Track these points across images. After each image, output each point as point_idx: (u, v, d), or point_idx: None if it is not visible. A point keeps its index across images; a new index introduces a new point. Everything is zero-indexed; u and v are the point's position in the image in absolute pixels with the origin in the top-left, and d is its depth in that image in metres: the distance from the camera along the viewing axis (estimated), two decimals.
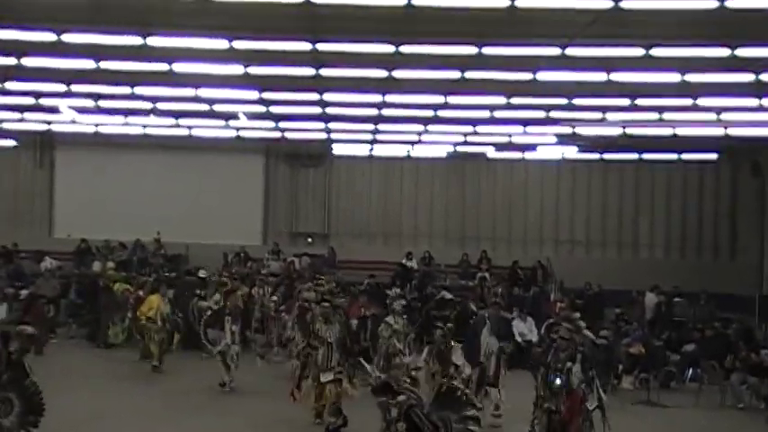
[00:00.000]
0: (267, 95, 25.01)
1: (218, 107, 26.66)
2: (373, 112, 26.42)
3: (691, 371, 21.79)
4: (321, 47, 19.70)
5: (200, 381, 18.60)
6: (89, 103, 26.39)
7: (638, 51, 18.87)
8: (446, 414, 8.67)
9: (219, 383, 18.00)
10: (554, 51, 19.20)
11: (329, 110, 26.68)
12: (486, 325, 15.63)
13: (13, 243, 30.09)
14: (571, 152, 30.74)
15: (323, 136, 30.83)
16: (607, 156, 31.45)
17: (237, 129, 30.18)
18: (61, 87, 24.57)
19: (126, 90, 24.63)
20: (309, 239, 33.12)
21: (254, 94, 24.80)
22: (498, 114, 25.93)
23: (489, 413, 15.10)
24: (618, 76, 21.08)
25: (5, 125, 30.28)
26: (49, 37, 19.25)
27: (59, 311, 26.14)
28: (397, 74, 21.63)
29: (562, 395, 10.96)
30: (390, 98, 24.61)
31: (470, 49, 19.41)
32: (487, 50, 19.32)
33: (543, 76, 21.29)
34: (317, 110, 26.72)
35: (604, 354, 21.21)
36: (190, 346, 21.36)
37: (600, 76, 21.13)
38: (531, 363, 11.98)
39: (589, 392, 10.98)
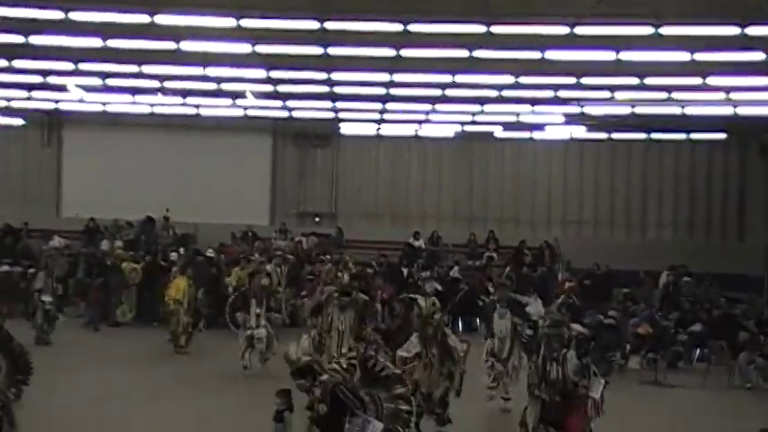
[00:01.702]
0: (275, 74, 24.99)
1: (225, 86, 26.67)
2: (381, 91, 26.40)
3: (698, 351, 21.75)
4: (329, 25, 19.68)
5: (221, 363, 18.46)
6: (97, 81, 26.42)
7: (647, 30, 18.82)
8: (375, 392, 8.49)
9: (243, 366, 17.73)
10: (563, 30, 19.17)
11: (337, 89, 26.68)
12: (495, 309, 15.53)
13: (24, 222, 30.10)
14: (579, 132, 30.69)
15: (330, 115, 30.83)
16: (615, 135, 31.38)
17: (245, 108, 30.17)
18: (69, 66, 24.58)
19: (133, 68, 24.64)
20: (317, 219, 33.11)
21: (261, 73, 24.78)
22: (506, 94, 25.89)
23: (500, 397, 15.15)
24: (627, 55, 21.03)
25: (13, 104, 30.33)
26: (56, 15, 19.26)
27: (68, 290, 26.14)
28: (405, 53, 21.60)
29: (558, 385, 10.85)
30: (398, 77, 24.59)
31: (479, 28, 19.39)
32: (496, 29, 19.30)
33: (552, 55, 21.25)
34: (324, 89, 26.72)
35: (612, 334, 21.32)
36: (214, 326, 21.49)
37: (609, 55, 21.08)
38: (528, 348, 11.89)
39: (585, 380, 10.83)
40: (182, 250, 26.51)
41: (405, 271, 27.36)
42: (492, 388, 15.29)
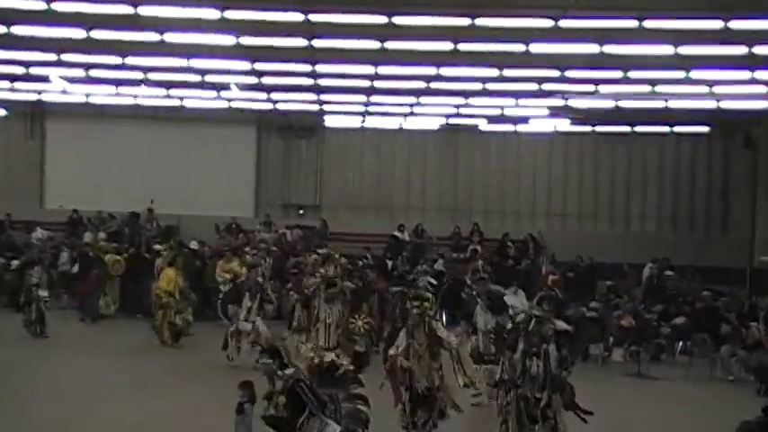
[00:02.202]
0: (259, 66, 24.93)
1: (209, 78, 26.58)
2: (366, 83, 26.36)
3: (681, 343, 21.85)
4: (313, 17, 19.64)
5: (209, 355, 18.39)
6: (80, 72, 26.28)
7: (632, 23, 18.85)
8: (333, 391, 8.45)
9: (228, 356, 17.69)
10: (547, 23, 19.18)
11: (321, 81, 26.62)
12: (477, 303, 15.44)
13: (6, 214, 29.98)
14: (563, 125, 30.74)
15: (315, 107, 30.78)
16: (599, 128, 31.44)
17: (229, 100, 30.08)
18: (52, 57, 24.45)
19: (117, 60, 24.52)
20: (301, 211, 33.07)
21: (246, 65, 24.72)
22: (491, 86, 25.90)
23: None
24: (611, 49, 21.04)
25: None
26: (39, 5, 19.14)
27: (52, 282, 26.07)
28: (390, 45, 21.58)
29: (539, 381, 10.80)
30: (383, 70, 24.55)
31: (463, 21, 19.37)
32: (480, 22, 19.27)
33: (536, 48, 21.26)
34: (309, 81, 26.66)
35: (595, 326, 21.41)
36: (201, 318, 21.50)
37: (593, 48, 21.10)
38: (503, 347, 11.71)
39: (565, 372, 10.82)
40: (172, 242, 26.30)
41: (389, 264, 27.36)
42: (477, 395, 15.14)
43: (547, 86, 25.76)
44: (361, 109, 30.79)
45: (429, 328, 12.29)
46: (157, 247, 26.17)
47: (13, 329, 19.28)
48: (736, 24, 18.60)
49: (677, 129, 31.06)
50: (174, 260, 21.15)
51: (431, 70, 24.21)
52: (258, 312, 17.60)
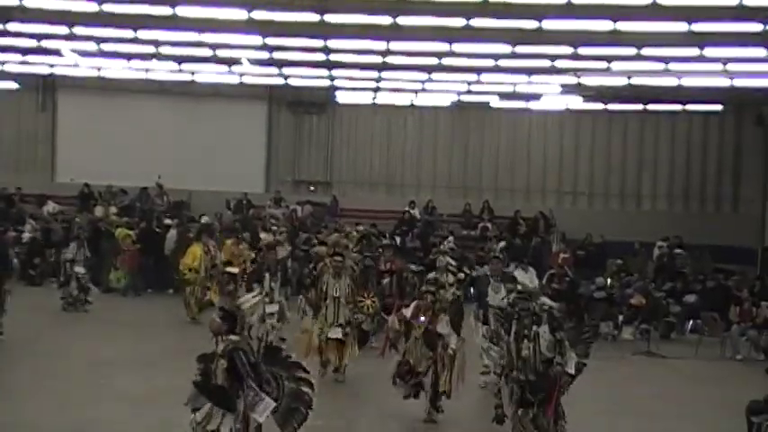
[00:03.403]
0: (271, 41, 24.88)
1: (221, 52, 26.53)
2: (377, 59, 26.29)
3: (691, 322, 21.85)
4: None
5: None
6: (91, 46, 26.27)
7: (645, 0, 18.72)
8: (276, 370, 8.36)
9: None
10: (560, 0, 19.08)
11: (333, 57, 26.54)
12: (489, 283, 15.33)
13: (17, 187, 30.05)
14: (576, 102, 30.62)
15: (326, 83, 30.72)
16: (611, 106, 31.27)
17: (240, 74, 30.04)
18: (64, 30, 24.44)
19: (129, 33, 24.50)
20: (312, 188, 33.05)
21: (257, 40, 24.67)
22: (503, 63, 25.80)
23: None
24: (624, 26, 20.95)
25: (7, 67, 30.15)
26: None
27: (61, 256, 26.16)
28: (402, 21, 21.49)
29: (531, 364, 10.70)
30: (395, 45, 24.47)
31: None
32: None
33: (549, 24, 21.17)
34: (320, 56, 26.59)
35: (604, 305, 21.42)
36: None
37: (606, 25, 21.00)
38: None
39: (559, 357, 10.65)
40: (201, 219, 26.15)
41: (398, 240, 27.26)
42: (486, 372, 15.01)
43: (559, 63, 25.65)
44: (373, 85, 30.71)
45: (434, 318, 12.18)
46: (167, 221, 26.26)
47: (26, 302, 19.31)
48: (750, 1, 18.49)
49: (689, 107, 30.89)
50: (200, 236, 20.97)
51: (443, 46, 24.13)
52: (281, 292, 17.26)
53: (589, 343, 11.17)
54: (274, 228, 24.86)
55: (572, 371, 10.57)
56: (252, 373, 7.97)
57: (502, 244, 26.25)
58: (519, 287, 11.71)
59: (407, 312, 12.30)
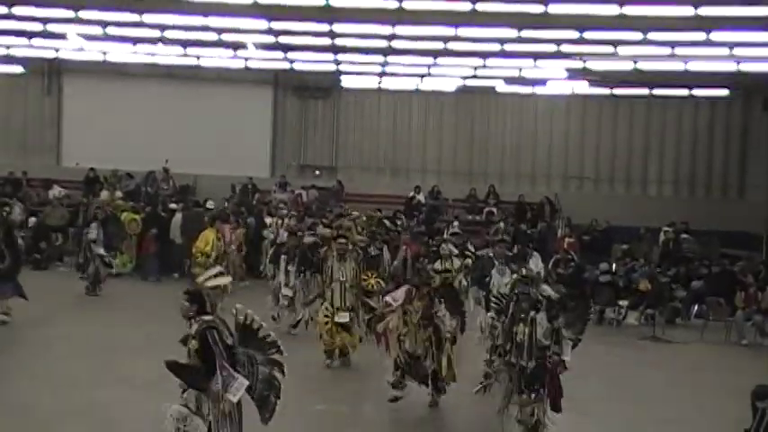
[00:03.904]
0: (276, 25, 24.84)
1: (226, 36, 26.50)
2: (383, 43, 26.24)
3: (696, 307, 21.85)
4: None
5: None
6: (97, 30, 26.24)
7: None
8: (251, 352, 8.26)
9: (272, 316, 16.96)
10: None
11: (338, 41, 26.51)
12: (494, 265, 15.25)
13: (23, 171, 30.09)
14: (581, 87, 30.55)
15: (332, 68, 30.67)
16: (618, 91, 31.20)
17: (246, 59, 30.00)
18: (69, 14, 24.41)
19: (134, 17, 24.47)
20: (317, 172, 33.04)
21: (263, 24, 24.62)
22: (509, 48, 25.75)
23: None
24: (630, 10, 20.88)
25: (13, 51, 30.13)
26: None
27: (68, 240, 26.22)
28: (408, 5, 21.47)
29: (524, 348, 10.53)
30: (400, 30, 24.42)
31: None
32: None
33: (555, 8, 21.12)
34: (326, 41, 26.55)
35: (609, 290, 21.40)
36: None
37: (612, 9, 20.93)
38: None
39: (556, 346, 10.48)
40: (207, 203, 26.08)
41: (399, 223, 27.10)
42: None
43: (565, 48, 25.59)
44: (378, 69, 30.66)
45: (430, 304, 12.10)
46: (173, 206, 26.25)
47: (32, 286, 19.31)
48: None
49: (696, 92, 30.80)
50: (213, 221, 20.87)
51: (449, 31, 24.08)
52: (297, 276, 17.19)
53: (586, 320, 11.14)
54: (284, 212, 24.85)
55: (568, 357, 10.60)
56: (225, 352, 7.89)
57: (501, 225, 26.18)
58: (523, 271, 11.66)
59: (396, 297, 12.20)
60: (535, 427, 10.69)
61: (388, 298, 12.33)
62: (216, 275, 8.70)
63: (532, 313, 10.57)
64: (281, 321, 16.97)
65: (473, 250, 17.79)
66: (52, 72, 32.65)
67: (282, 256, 17.36)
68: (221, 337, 7.92)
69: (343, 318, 14.25)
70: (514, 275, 11.99)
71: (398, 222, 23.01)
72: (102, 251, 20.91)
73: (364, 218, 20.03)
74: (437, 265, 15.68)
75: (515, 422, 10.77)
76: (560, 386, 10.63)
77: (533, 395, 10.62)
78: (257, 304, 17.53)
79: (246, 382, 7.87)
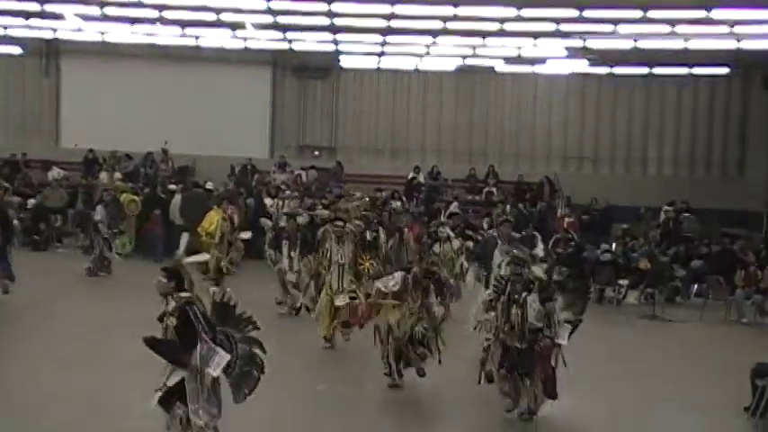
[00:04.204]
0: (275, 5, 24.79)
1: (225, 16, 26.41)
2: (382, 23, 26.14)
3: (696, 286, 21.86)
4: None
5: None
6: (95, 10, 26.15)
7: None
8: (229, 330, 8.23)
9: (276, 301, 17.28)
10: None
11: (337, 21, 26.42)
12: (497, 245, 15.16)
13: (22, 153, 30.03)
14: (581, 66, 30.46)
15: (331, 48, 30.58)
16: (617, 70, 31.10)
17: (245, 39, 29.91)
18: None
19: None
20: (316, 153, 32.99)
21: (261, 4, 24.57)
22: (508, 27, 25.69)
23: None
24: None
25: (11, 32, 30.02)
26: None
27: (67, 221, 26.22)
28: None
29: (518, 330, 10.49)
30: (399, 9, 24.33)
31: None
32: None
33: None
34: (325, 21, 26.46)
35: (610, 269, 21.40)
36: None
37: None
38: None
39: (548, 329, 10.45)
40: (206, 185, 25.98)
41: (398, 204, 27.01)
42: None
43: (565, 27, 25.51)
44: (377, 49, 30.57)
45: (427, 292, 12.02)
46: (172, 187, 26.22)
47: (32, 267, 19.30)
48: None
49: (696, 70, 30.70)
50: (220, 202, 20.77)
51: (448, 10, 24.02)
52: (301, 260, 16.60)
53: (586, 300, 11.11)
54: (287, 193, 24.80)
55: (564, 341, 10.55)
56: (206, 326, 7.87)
57: (507, 206, 26.19)
58: (515, 252, 11.62)
59: (389, 284, 12.06)
60: (531, 413, 10.69)
61: (379, 284, 12.19)
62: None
63: (524, 294, 10.55)
64: (288, 306, 16.99)
65: (473, 233, 17.80)
66: (50, 53, 32.54)
67: (284, 241, 17.22)
68: (202, 312, 7.91)
69: (343, 301, 14.16)
70: (506, 257, 11.93)
71: (402, 202, 22.96)
72: (105, 230, 20.94)
73: (367, 199, 19.96)
74: (435, 248, 15.66)
75: (499, 392, 10.83)
76: (554, 371, 10.57)
77: (526, 380, 10.59)
78: (260, 285, 17.73)
79: (228, 356, 7.86)
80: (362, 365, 13.43)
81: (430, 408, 11.75)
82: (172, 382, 7.90)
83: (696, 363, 15.27)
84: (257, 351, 8.15)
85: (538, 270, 11.04)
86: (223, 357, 7.81)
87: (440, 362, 11.87)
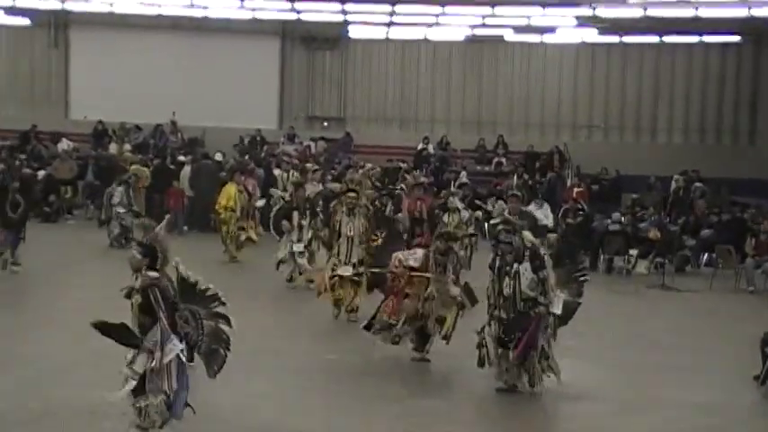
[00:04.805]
0: None
1: None
2: None
3: (706, 255, 21.83)
4: None
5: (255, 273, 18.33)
6: None
7: None
8: (194, 307, 8.21)
9: (286, 278, 17.02)
10: None
11: None
12: (523, 224, 15.02)
13: (32, 125, 30.03)
14: (591, 35, 30.31)
15: (339, 18, 30.48)
16: (627, 39, 30.96)
17: (253, 9, 29.82)
18: None
19: None
20: (325, 123, 32.95)
21: None
22: None
23: None
24: None
25: (19, 3, 29.94)
26: None
27: (77, 193, 26.28)
28: None
29: (511, 302, 10.33)
30: None
31: None
32: None
33: None
34: None
35: (620, 239, 21.39)
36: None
37: None
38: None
39: (542, 297, 10.28)
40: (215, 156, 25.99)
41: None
42: None
43: None
44: (386, 19, 30.46)
45: (444, 272, 11.94)
46: (182, 158, 26.24)
47: (42, 238, 19.39)
48: None
49: (706, 38, 30.54)
50: (233, 175, 20.74)
51: None
52: (309, 231, 16.56)
53: (583, 282, 11.04)
54: (308, 165, 24.75)
55: (558, 310, 10.44)
56: (166, 311, 7.86)
57: (515, 179, 26.12)
58: (502, 218, 11.49)
59: (409, 257, 11.96)
60: (532, 382, 10.56)
61: (400, 255, 12.13)
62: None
63: (516, 265, 10.36)
64: (297, 279, 16.86)
65: (482, 204, 17.77)
66: (59, 24, 32.45)
67: (294, 212, 16.99)
68: (165, 295, 7.88)
69: (346, 271, 14.08)
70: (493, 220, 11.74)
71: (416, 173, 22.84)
72: (122, 210, 20.98)
73: (378, 169, 19.88)
74: (445, 219, 15.54)
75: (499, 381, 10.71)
76: (534, 336, 10.38)
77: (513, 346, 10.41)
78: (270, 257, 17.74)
79: (181, 347, 7.84)
80: (372, 336, 13.48)
81: (438, 377, 11.77)
82: (140, 368, 7.93)
83: (705, 331, 15.27)
84: (223, 327, 8.12)
85: (529, 235, 10.94)
86: (175, 346, 7.81)
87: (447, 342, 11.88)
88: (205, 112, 30.50)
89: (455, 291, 11.82)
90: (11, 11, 30.57)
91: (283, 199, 18.49)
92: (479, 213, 16.94)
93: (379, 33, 31.97)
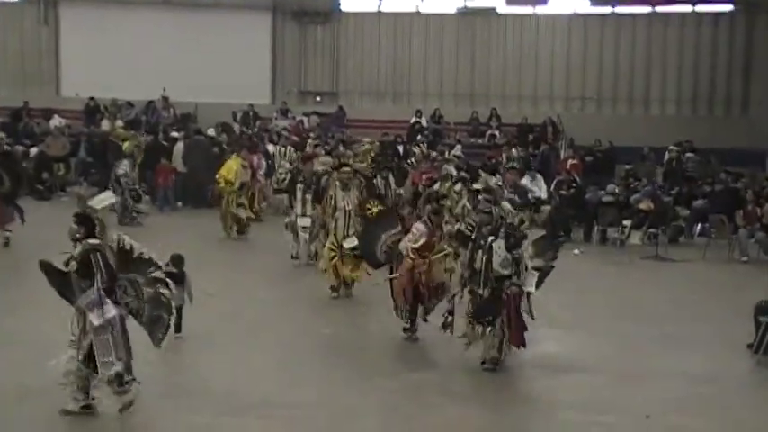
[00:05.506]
0: None
1: None
2: None
3: (699, 226, 21.86)
4: None
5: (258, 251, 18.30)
6: None
7: None
8: (132, 276, 8.20)
9: (291, 255, 16.92)
10: None
11: None
12: (503, 194, 14.99)
13: (24, 101, 29.90)
14: (583, 5, 30.26)
15: None
16: (619, 9, 30.90)
17: None
18: None
19: None
20: (318, 98, 32.86)
21: None
22: None
23: None
24: None
25: None
26: None
27: (70, 170, 26.21)
28: None
29: (479, 276, 10.34)
30: None
31: None
32: None
33: None
34: None
35: (613, 210, 21.43)
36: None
37: None
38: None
39: (516, 276, 10.23)
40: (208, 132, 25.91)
41: (400, 149, 26.78)
42: None
43: None
44: None
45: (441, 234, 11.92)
46: (174, 134, 26.17)
47: (36, 216, 19.31)
48: None
49: (699, 7, 30.47)
50: (240, 150, 20.57)
51: None
52: (314, 206, 16.10)
53: (558, 246, 10.94)
54: (310, 140, 24.70)
55: (532, 289, 10.37)
56: (106, 276, 7.90)
57: (513, 151, 26.12)
58: (484, 185, 11.42)
59: (417, 238, 11.74)
60: (493, 362, 10.57)
61: (408, 243, 11.71)
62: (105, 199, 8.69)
63: (491, 239, 10.33)
64: (302, 256, 16.75)
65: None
66: (48, 1, 32.26)
67: (299, 185, 16.79)
68: (105, 261, 7.92)
69: (351, 242, 13.98)
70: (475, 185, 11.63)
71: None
72: (129, 181, 20.96)
73: (377, 143, 19.80)
74: (436, 187, 15.45)
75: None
76: (521, 318, 10.44)
77: (487, 327, 10.42)
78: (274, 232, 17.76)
79: (113, 313, 7.90)
80: (369, 310, 13.53)
81: (432, 351, 11.80)
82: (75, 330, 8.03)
83: (699, 301, 15.33)
84: (163, 291, 8.15)
85: (507, 205, 10.92)
86: (107, 312, 7.89)
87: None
88: (197, 87, 30.32)
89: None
90: None
91: (289, 172, 18.35)
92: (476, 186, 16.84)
93: (370, 6, 31.90)
